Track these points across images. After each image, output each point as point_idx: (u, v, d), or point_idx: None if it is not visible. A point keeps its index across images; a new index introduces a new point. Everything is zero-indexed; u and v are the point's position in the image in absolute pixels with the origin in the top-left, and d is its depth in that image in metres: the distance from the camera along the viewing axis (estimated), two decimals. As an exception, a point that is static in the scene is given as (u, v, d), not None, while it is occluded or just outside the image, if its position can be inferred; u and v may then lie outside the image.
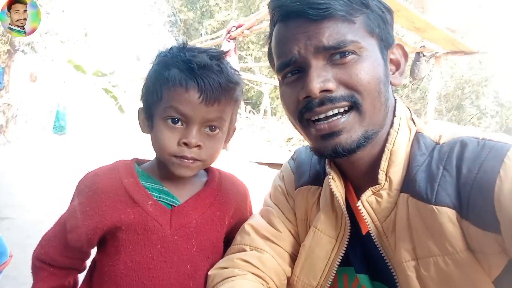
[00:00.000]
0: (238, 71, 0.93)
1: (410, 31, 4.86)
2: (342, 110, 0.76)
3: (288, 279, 0.96)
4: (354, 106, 0.76)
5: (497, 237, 0.66)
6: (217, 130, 0.88)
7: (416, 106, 13.84)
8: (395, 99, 0.86)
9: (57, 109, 10.63)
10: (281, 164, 1.13)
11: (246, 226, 1.01)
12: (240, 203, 1.00)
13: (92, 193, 0.87)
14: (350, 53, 0.75)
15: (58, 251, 0.89)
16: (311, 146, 0.85)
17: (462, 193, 0.69)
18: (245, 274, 0.89)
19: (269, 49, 0.88)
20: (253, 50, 14.39)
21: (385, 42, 0.81)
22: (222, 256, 0.97)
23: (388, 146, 0.80)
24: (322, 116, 0.77)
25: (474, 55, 6.17)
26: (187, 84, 0.81)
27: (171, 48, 0.90)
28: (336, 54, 0.75)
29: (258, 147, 10.43)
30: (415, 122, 0.85)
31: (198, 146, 0.85)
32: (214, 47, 0.88)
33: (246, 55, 14.05)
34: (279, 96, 0.88)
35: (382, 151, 0.81)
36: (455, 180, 0.70)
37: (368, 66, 0.75)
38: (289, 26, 0.78)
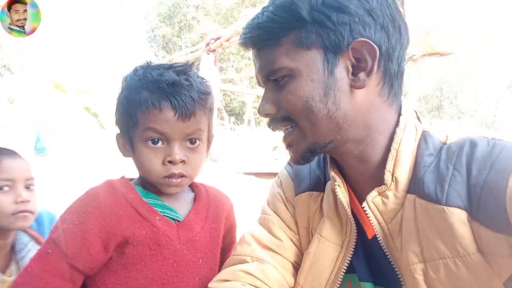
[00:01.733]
0: (204, 79, 0.95)
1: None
2: (289, 128, 0.82)
3: None
4: (296, 125, 0.80)
5: (508, 239, 0.65)
6: (198, 142, 0.89)
7: (397, 108, 14.04)
8: (399, 99, 0.84)
9: (37, 130, 10.43)
10: (268, 173, 1.13)
11: (247, 235, 0.98)
12: (228, 213, 1.02)
13: (93, 209, 0.82)
14: (282, 78, 0.79)
15: (56, 284, 0.79)
16: None
17: (473, 194, 0.68)
18: None
19: None
20: (233, 61, 14.44)
21: (334, 46, 0.75)
22: (220, 266, 0.96)
23: (394, 145, 0.78)
24: (276, 131, 0.86)
25: (450, 56, 6.31)
26: (160, 104, 0.82)
27: (136, 70, 0.91)
28: (276, 80, 0.80)
29: (244, 157, 10.41)
30: (420, 122, 0.83)
31: (183, 161, 0.86)
32: (183, 62, 0.87)
33: (227, 66, 14.09)
34: None
35: (387, 151, 0.80)
36: (466, 180, 0.69)
37: (295, 88, 0.78)
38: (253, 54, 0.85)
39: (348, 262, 0.85)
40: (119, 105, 0.90)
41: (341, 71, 0.77)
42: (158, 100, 0.82)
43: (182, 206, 0.94)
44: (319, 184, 0.94)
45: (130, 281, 0.82)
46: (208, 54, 5.91)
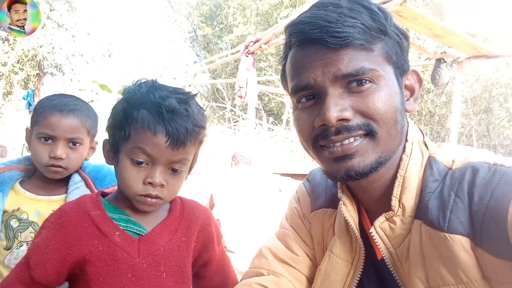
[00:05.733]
0: (203, 110, 0.94)
1: (430, 37, 4.79)
2: (358, 137, 0.76)
3: None
4: (369, 133, 0.76)
5: None
6: (180, 170, 0.91)
7: (442, 110, 13.51)
8: (408, 123, 0.85)
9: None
10: (305, 175, 1.13)
11: (264, 249, 1.01)
12: (203, 226, 1.00)
13: (59, 226, 0.88)
14: (367, 81, 0.74)
15: None
16: (323, 169, 0.84)
17: (475, 221, 0.68)
18: None
19: (283, 70, 0.88)
20: (273, 62, 14.46)
21: (401, 69, 0.80)
22: (190, 281, 0.97)
23: (401, 172, 0.79)
24: (338, 144, 0.77)
25: (500, 58, 6.01)
26: (155, 128, 0.83)
27: (140, 85, 0.91)
28: (353, 82, 0.75)
29: (281, 158, 10.39)
30: (427, 146, 0.84)
31: (162, 185, 0.88)
32: (183, 89, 0.90)
33: (265, 67, 14.14)
34: (294, 119, 0.88)
35: (394, 176, 0.81)
36: (467, 207, 0.69)
37: (385, 95, 0.75)
38: (306, 52, 0.77)
39: (358, 279, 0.87)
40: (115, 114, 0.91)
41: (403, 92, 0.82)
42: (154, 123, 0.83)
43: (152, 220, 0.94)
44: (334, 202, 0.95)
45: None
46: (247, 56, 5.96)
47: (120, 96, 0.93)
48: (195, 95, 0.92)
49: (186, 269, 0.95)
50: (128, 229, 0.91)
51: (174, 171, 0.89)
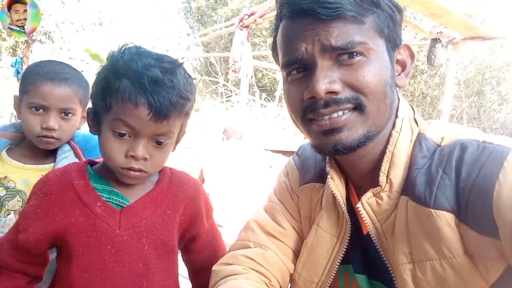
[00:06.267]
0: (191, 80, 0.90)
1: (426, 17, 4.73)
2: (346, 110, 0.75)
3: (291, 275, 0.97)
4: (358, 107, 0.75)
5: (495, 242, 0.65)
6: (165, 143, 0.88)
7: (435, 92, 13.54)
8: (399, 99, 0.84)
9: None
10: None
11: (251, 221, 1.02)
12: (191, 199, 0.99)
13: (43, 194, 0.88)
14: (358, 54, 0.74)
15: (9, 253, 0.89)
16: (312, 143, 0.84)
17: (461, 197, 0.68)
18: (248, 273, 0.91)
19: (274, 42, 0.87)
20: (267, 37, 14.26)
21: (393, 43, 0.80)
22: (175, 255, 0.97)
23: (390, 147, 0.79)
24: (326, 117, 0.76)
25: (495, 40, 5.99)
26: (137, 100, 0.80)
27: (124, 51, 0.86)
28: (343, 55, 0.74)
29: (273, 134, 10.40)
30: (417, 123, 0.83)
31: (145, 158, 0.85)
32: (169, 57, 0.86)
33: (259, 42, 13.94)
34: (283, 91, 0.87)
35: (383, 152, 0.81)
36: (454, 183, 0.70)
37: (375, 68, 0.74)
38: (297, 24, 0.76)
39: (344, 253, 0.88)
40: (97, 82, 0.87)
41: (394, 67, 0.81)
42: (135, 95, 0.80)
43: (137, 191, 0.93)
44: (322, 176, 0.95)
45: (73, 267, 0.86)
46: (241, 30, 5.85)
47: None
48: (182, 64, 0.88)
49: (170, 243, 0.94)
50: (111, 200, 0.90)
51: (159, 143, 0.87)
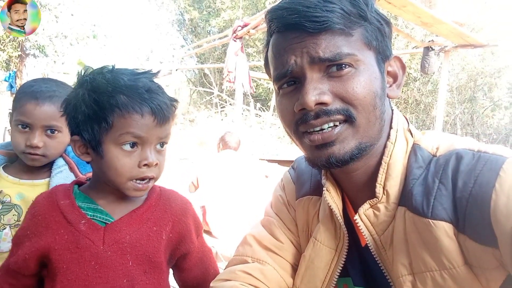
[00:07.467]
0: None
1: (418, 25, 4.79)
2: (338, 123, 0.76)
3: None
4: (348, 119, 0.75)
5: (495, 252, 0.65)
6: (165, 145, 0.93)
7: (428, 99, 13.64)
8: (392, 110, 0.85)
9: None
10: (292, 161, 1.12)
11: (248, 237, 1.01)
12: (179, 217, 0.99)
13: (32, 216, 0.91)
14: (346, 66, 0.74)
15: (3, 279, 0.91)
16: (306, 156, 0.84)
17: (458, 207, 0.68)
18: None
19: (265, 58, 0.88)
20: (260, 47, 14.34)
21: (383, 55, 0.80)
22: (163, 272, 0.96)
23: (385, 159, 0.79)
24: (317, 129, 0.76)
25: (486, 48, 6.06)
26: (141, 109, 0.84)
27: (99, 73, 0.87)
28: (332, 67, 0.74)
29: (268, 144, 10.41)
30: (412, 133, 0.84)
31: (156, 164, 0.89)
32: (141, 69, 0.88)
33: (253, 52, 14.02)
34: (276, 105, 0.87)
35: (379, 163, 0.80)
36: (451, 193, 0.69)
37: (364, 80, 0.74)
38: (286, 37, 0.77)
39: (342, 265, 0.87)
40: (84, 108, 0.86)
41: (385, 79, 0.82)
42: (138, 105, 0.84)
43: (125, 209, 0.94)
44: (318, 189, 0.95)
45: (57, 284, 0.86)
46: (235, 41, 5.88)
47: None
48: (158, 72, 0.94)
49: (156, 259, 0.93)
50: (95, 218, 0.90)
51: (162, 146, 0.91)
